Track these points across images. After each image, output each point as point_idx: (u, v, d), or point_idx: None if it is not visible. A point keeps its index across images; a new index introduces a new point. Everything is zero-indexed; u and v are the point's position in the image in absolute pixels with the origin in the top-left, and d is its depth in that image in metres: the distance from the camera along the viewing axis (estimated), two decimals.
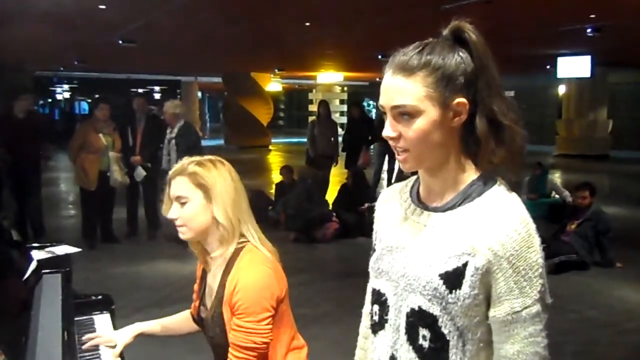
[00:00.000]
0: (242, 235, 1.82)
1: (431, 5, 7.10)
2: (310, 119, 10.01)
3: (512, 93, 23.80)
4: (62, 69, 21.07)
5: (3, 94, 7.27)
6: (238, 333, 1.71)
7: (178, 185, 1.81)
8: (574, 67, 14.12)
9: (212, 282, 1.88)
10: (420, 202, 1.26)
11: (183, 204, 1.80)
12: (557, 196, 8.99)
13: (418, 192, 1.28)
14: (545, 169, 9.39)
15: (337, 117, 19.48)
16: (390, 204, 1.34)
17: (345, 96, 29.69)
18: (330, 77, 21.67)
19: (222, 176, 1.82)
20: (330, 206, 8.54)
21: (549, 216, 8.06)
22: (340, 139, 9.87)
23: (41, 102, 30.12)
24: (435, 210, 1.21)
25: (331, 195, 9.28)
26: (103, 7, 8.00)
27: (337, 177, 10.77)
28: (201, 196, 1.80)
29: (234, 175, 1.86)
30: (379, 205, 1.40)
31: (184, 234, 1.83)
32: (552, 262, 5.93)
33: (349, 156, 9.50)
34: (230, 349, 1.74)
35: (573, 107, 18.57)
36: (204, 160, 1.85)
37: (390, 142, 1.17)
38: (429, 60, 1.13)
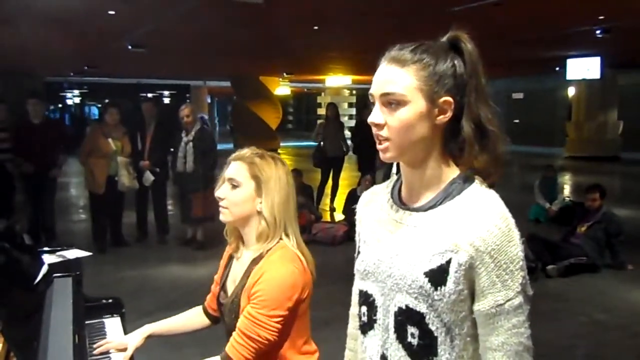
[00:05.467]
0: (282, 236, 1.84)
1: (440, 8, 7.09)
2: (319, 121, 10.00)
3: (521, 95, 23.75)
4: (72, 74, 21.17)
5: (15, 100, 7.30)
6: (247, 321, 1.72)
7: (234, 169, 1.86)
8: (584, 68, 14.04)
9: (238, 269, 1.90)
10: (402, 203, 1.29)
11: (234, 186, 1.84)
12: (567, 199, 8.94)
13: (399, 193, 1.31)
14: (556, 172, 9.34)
15: (345, 120, 19.47)
16: (372, 206, 1.37)
17: (353, 99, 29.67)
18: (338, 81, 21.62)
19: (278, 175, 1.85)
20: (341, 211, 8.55)
21: (559, 219, 8.03)
22: (349, 142, 9.88)
23: (52, 107, 30.28)
24: (417, 209, 1.24)
25: (340, 200, 9.29)
26: (112, 12, 8.05)
27: (346, 180, 10.77)
28: (253, 186, 1.83)
29: (289, 179, 1.89)
30: (360, 207, 1.43)
31: (224, 215, 1.87)
32: (562, 265, 5.91)
33: (360, 159, 9.48)
34: (234, 333, 1.75)
35: (583, 109, 18.48)
36: (267, 155, 1.89)
37: (374, 130, 1.20)
38: (422, 57, 1.18)
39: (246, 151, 1.90)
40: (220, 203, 1.86)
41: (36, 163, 6.67)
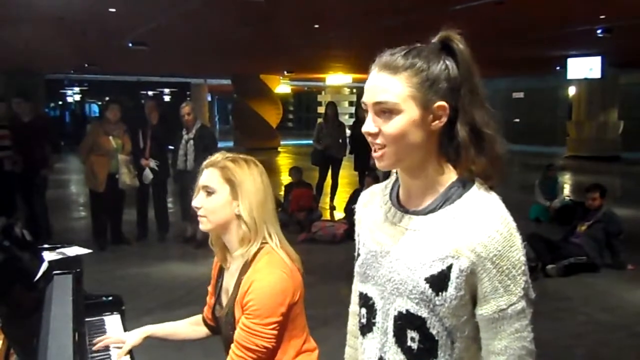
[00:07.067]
0: (264, 237, 1.83)
1: (440, 7, 7.08)
2: (318, 120, 9.99)
3: (522, 94, 23.74)
4: (72, 71, 21.19)
5: (14, 97, 7.31)
6: (243, 332, 1.73)
7: (208, 176, 1.85)
8: (585, 68, 14.03)
9: (229, 281, 1.90)
10: (400, 205, 1.27)
11: (209, 194, 1.83)
12: (567, 198, 8.94)
13: (398, 195, 1.29)
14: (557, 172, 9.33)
15: (346, 119, 19.48)
16: (371, 207, 1.36)
17: (354, 98, 29.65)
18: (339, 79, 21.63)
19: (252, 176, 1.84)
20: (342, 209, 8.54)
21: (559, 218, 8.02)
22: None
23: (52, 104, 30.27)
24: (416, 213, 1.23)
25: (340, 198, 9.28)
26: (113, 10, 8.04)
27: (346, 179, 10.76)
28: (227, 191, 1.82)
29: (264, 179, 1.88)
30: (359, 207, 1.41)
31: (204, 224, 1.86)
32: (562, 264, 5.90)
33: (357, 157, 9.47)
34: (232, 345, 1.75)
35: (584, 109, 18.46)
36: (238, 158, 1.88)
37: (369, 139, 1.19)
38: (415, 62, 1.15)
39: (217, 156, 1.88)
40: (198, 212, 1.85)
41: (24, 161, 6.72)
